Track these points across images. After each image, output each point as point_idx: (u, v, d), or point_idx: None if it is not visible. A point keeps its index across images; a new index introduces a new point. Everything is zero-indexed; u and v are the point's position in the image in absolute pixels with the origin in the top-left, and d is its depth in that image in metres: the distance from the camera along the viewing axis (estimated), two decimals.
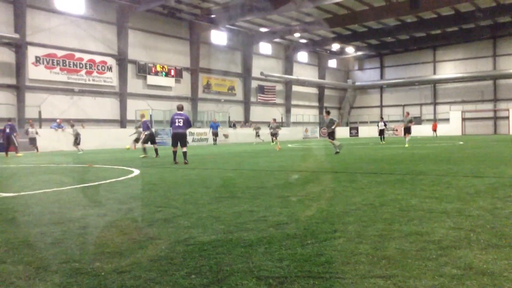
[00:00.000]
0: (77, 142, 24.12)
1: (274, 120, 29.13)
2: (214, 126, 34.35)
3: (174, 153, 14.10)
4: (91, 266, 3.39)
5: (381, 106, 60.34)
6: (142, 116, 18.91)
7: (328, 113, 18.09)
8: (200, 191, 7.41)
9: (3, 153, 21.51)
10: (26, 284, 3.01)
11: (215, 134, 34.03)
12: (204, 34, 40.93)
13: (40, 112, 28.59)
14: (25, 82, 28.80)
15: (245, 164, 13.50)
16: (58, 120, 28.25)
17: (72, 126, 24.72)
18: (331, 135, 17.76)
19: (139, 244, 4.00)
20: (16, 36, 27.76)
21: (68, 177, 10.36)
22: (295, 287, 2.90)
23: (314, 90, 57.54)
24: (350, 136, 54.66)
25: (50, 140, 26.61)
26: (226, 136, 35.54)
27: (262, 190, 7.32)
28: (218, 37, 42.70)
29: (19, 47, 28.46)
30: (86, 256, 3.65)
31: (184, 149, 14.14)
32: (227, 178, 9.54)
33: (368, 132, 52.71)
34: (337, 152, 16.85)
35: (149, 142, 17.85)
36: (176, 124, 13.86)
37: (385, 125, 32.35)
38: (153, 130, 14.93)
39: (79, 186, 8.57)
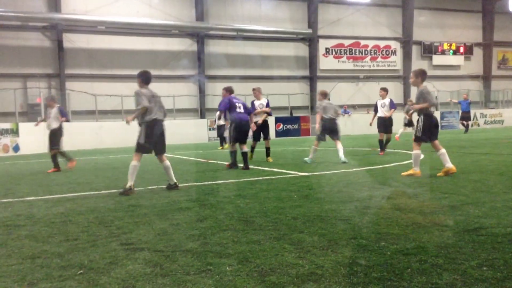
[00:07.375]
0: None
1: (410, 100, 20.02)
2: (465, 105, 23.58)
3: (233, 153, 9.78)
4: (377, 244, 3.53)
5: None
6: None
7: (324, 95, 11.24)
8: (493, 179, 6.70)
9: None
10: (320, 253, 3.38)
11: (465, 118, 23.85)
12: (500, 2, 36.18)
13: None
14: (317, 72, 31.76)
15: None
16: (344, 106, 30.06)
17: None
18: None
19: (424, 229, 3.93)
20: (309, 31, 30.83)
21: (353, 160, 10.96)
22: None
23: None
24: None
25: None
26: None
27: None
28: None
29: (311, 41, 31.54)
30: (372, 235, 3.82)
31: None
32: None
33: None
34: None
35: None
36: (237, 110, 9.67)
37: None
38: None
39: (364, 168, 8.97)
